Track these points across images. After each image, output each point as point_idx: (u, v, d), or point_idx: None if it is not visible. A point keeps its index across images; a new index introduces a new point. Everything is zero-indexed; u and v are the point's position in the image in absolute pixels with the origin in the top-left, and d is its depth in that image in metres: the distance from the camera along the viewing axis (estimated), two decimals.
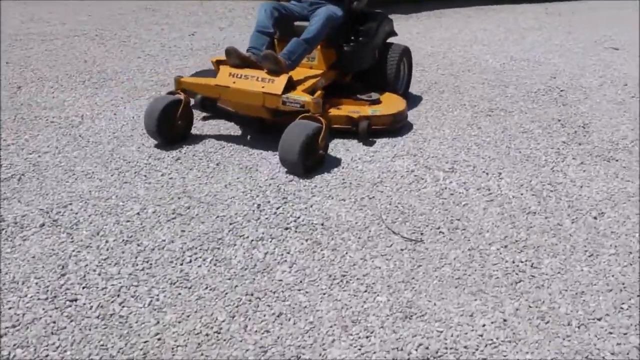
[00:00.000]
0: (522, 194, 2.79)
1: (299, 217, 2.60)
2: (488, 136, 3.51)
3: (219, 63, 3.41)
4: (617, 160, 3.22)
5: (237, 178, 3.00)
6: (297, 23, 3.70)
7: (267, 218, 2.60)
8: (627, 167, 3.14)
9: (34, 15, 8.88)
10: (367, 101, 3.54)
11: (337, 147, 3.35)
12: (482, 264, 2.25)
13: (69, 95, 4.49)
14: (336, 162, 3.16)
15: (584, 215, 2.61)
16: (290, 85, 3.17)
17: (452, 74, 4.97)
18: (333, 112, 3.40)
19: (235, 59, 3.26)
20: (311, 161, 2.99)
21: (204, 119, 3.89)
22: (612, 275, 2.18)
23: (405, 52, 4.10)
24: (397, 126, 3.55)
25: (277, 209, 2.68)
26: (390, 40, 4.04)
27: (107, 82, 4.89)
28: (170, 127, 3.37)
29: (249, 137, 3.55)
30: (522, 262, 2.27)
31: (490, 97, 4.31)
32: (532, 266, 2.24)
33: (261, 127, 3.56)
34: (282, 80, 3.12)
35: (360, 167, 3.07)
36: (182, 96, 3.38)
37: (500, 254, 2.32)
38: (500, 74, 5.03)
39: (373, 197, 2.77)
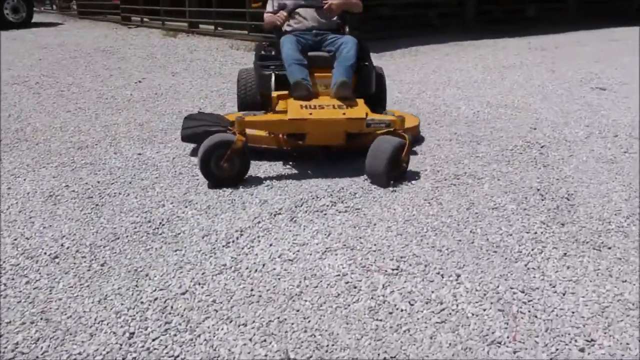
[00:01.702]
0: (484, 310, 2.10)
1: (177, 357, 1.89)
2: (449, 216, 2.83)
3: (279, 98, 3.41)
4: (609, 248, 2.53)
5: (118, 288, 2.30)
6: (310, 53, 3.79)
7: (134, 358, 1.89)
8: (622, 258, 2.45)
9: None
10: None
11: (259, 238, 2.65)
12: None
13: None
14: (251, 261, 2.46)
15: (567, 345, 1.91)
16: None
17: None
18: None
19: (304, 90, 3.35)
20: (395, 173, 3.15)
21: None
22: None
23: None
24: (419, 137, 3.91)
25: (154, 340, 1.98)
26: None
27: (20, 143, 4.23)
28: (218, 168, 3.17)
29: (147, 229, 2.85)
30: None
31: (458, 158, 3.64)
32: None
33: (324, 156, 3.57)
34: (362, 104, 3.32)
35: (278, 270, 2.37)
36: (235, 137, 3.14)
37: None
38: (472, 125, 4.38)
39: (285, 319, 2.06)
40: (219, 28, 10.36)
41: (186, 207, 3.01)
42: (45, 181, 3.47)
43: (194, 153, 3.86)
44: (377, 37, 9.65)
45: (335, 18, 3.97)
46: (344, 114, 3.21)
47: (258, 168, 3.52)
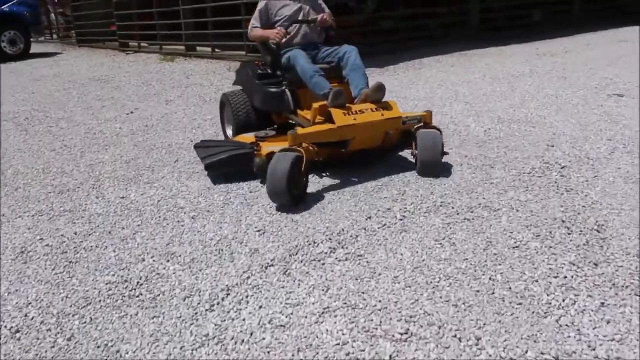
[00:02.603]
0: None
1: None
2: (464, 259, 2.48)
3: (322, 107, 3.43)
4: None
5: None
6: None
7: None
8: None
9: None
10: None
11: (247, 298, 2.32)
12: None
13: None
14: (237, 328, 2.13)
15: None
16: None
17: None
18: None
19: (343, 99, 3.38)
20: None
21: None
22: None
23: None
24: None
25: None
26: None
27: None
28: (295, 185, 3.11)
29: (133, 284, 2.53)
30: None
31: (471, 186, 3.30)
32: None
33: (364, 160, 3.73)
34: (395, 104, 3.49)
35: (268, 340, 2.04)
36: (302, 152, 3.18)
37: None
38: (483, 146, 4.04)
39: None
40: (216, 50, 10.12)
41: (168, 261, 2.69)
42: (19, 234, 3.17)
43: (217, 180, 3.63)
44: (379, 50, 9.35)
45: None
46: (382, 115, 3.37)
47: (250, 209, 3.19)
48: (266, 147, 3.54)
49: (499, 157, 3.77)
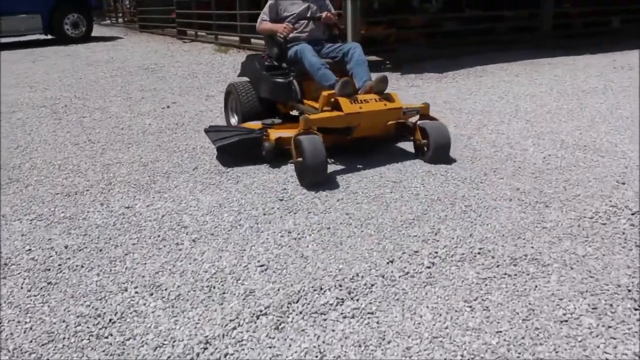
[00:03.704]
0: None
1: None
2: (497, 331, 2.01)
3: (330, 96, 3.63)
4: None
5: None
6: None
7: None
8: None
9: (27, 77, 8.13)
10: None
11: (226, 357, 1.94)
12: None
13: None
14: None
15: None
16: None
17: (469, 179, 3.47)
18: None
19: (351, 88, 3.61)
20: None
21: None
22: None
23: None
24: None
25: None
26: None
27: (11, 184, 3.77)
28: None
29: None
30: None
31: (518, 230, 2.79)
32: None
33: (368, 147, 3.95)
34: (396, 96, 3.71)
35: None
36: (320, 135, 3.42)
37: None
38: (540, 177, 3.49)
39: None
40: None
41: (151, 294, 2.34)
42: (10, 241, 2.92)
43: (231, 196, 3.23)
44: (441, 54, 8.78)
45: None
46: (385, 105, 3.60)
47: (258, 236, 2.81)
48: (274, 133, 3.76)
49: (556, 193, 3.23)
